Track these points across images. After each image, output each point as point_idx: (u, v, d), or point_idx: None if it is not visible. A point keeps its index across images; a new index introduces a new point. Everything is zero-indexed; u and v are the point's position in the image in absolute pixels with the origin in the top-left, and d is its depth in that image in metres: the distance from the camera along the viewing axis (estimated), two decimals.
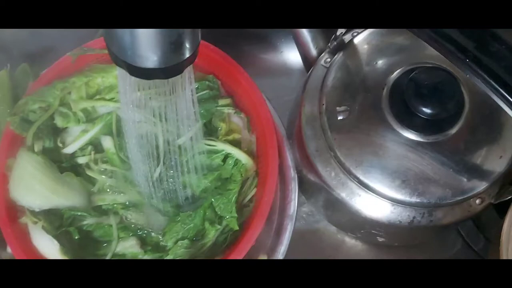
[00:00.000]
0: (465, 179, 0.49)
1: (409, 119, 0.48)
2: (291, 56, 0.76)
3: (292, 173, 0.58)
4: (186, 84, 0.45)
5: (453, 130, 0.49)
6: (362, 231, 0.59)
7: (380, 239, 0.59)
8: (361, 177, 0.50)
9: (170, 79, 0.44)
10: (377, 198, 0.50)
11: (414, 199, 0.49)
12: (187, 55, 0.36)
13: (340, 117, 0.50)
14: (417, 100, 0.46)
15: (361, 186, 0.50)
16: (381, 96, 0.50)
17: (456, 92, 0.46)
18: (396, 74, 0.51)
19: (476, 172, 0.49)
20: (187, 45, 0.35)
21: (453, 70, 0.47)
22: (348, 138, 0.51)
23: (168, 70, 0.36)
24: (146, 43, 0.34)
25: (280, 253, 0.55)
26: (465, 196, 0.49)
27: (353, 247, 0.66)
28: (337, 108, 0.50)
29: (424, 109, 0.46)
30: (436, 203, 0.49)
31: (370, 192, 0.50)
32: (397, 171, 0.49)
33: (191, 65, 0.44)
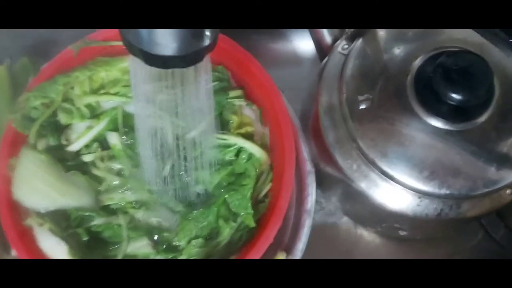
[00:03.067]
0: (496, 169, 0.46)
1: (436, 107, 0.46)
2: (302, 45, 0.74)
3: (309, 167, 0.57)
4: (202, 74, 0.43)
5: (483, 117, 0.47)
6: (383, 225, 0.57)
7: (402, 233, 0.57)
8: (386, 169, 0.47)
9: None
10: (402, 190, 0.48)
11: (443, 191, 0.46)
12: (208, 41, 0.34)
13: (362, 106, 0.48)
14: (446, 86, 0.44)
15: (386, 178, 0.48)
16: (405, 83, 0.48)
17: (488, 76, 0.44)
18: (420, 59, 0.49)
19: (508, 161, 0.47)
20: (208, 31, 0.33)
21: (481, 53, 0.45)
22: (371, 128, 0.48)
23: (187, 58, 0.34)
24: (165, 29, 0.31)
25: (299, 250, 0.53)
26: (496, 187, 0.47)
27: (372, 241, 0.64)
28: (359, 97, 0.48)
29: (454, 95, 0.44)
30: (466, 195, 0.47)
31: (395, 184, 0.48)
32: (425, 162, 0.47)
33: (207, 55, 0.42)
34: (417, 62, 0.49)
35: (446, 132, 0.47)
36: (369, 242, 0.64)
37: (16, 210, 0.51)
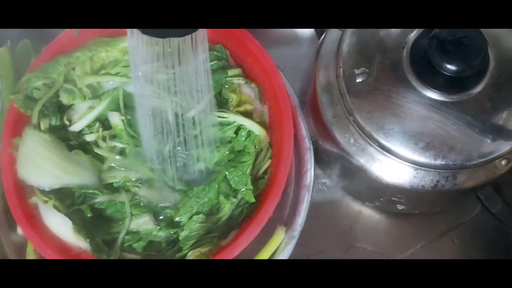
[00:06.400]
0: (491, 140, 0.47)
1: (432, 78, 0.47)
2: None
3: (307, 143, 0.57)
4: (199, 53, 0.44)
5: (478, 88, 0.47)
6: (381, 199, 0.57)
7: (400, 207, 0.57)
8: (383, 141, 0.48)
9: (183, 47, 0.42)
10: (399, 163, 0.49)
11: (439, 162, 0.47)
12: None
13: (358, 80, 0.48)
14: (441, 57, 0.44)
15: (383, 151, 0.48)
16: (401, 56, 0.48)
17: (482, 47, 0.44)
18: (415, 32, 0.49)
19: (502, 132, 0.47)
20: None
21: None
22: (368, 101, 0.49)
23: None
24: None
25: (298, 224, 0.54)
26: (491, 157, 0.47)
27: (371, 216, 0.65)
28: (355, 70, 0.48)
29: (449, 66, 0.44)
30: (461, 165, 0.47)
31: (392, 157, 0.48)
32: (421, 133, 0.47)
33: (204, 33, 0.43)
34: (413, 35, 0.49)
35: (441, 103, 0.47)
36: (368, 218, 0.65)
37: (21, 189, 0.52)
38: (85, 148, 0.55)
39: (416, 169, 0.49)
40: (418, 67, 0.47)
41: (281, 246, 0.52)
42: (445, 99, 0.47)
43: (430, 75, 0.46)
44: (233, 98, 0.57)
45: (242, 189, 0.54)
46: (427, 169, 0.48)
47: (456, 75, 0.45)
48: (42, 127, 0.54)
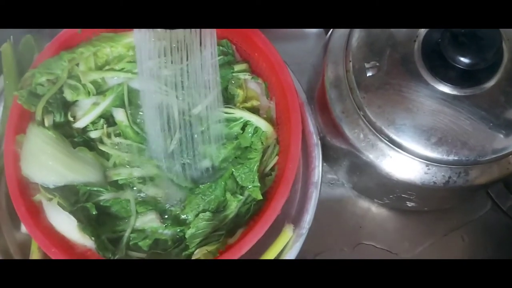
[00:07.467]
0: (504, 135, 0.46)
1: (444, 72, 0.46)
2: None
3: (315, 139, 0.56)
4: (207, 47, 0.43)
5: (492, 82, 0.46)
6: (391, 196, 0.57)
7: (410, 204, 0.57)
8: (394, 137, 0.47)
9: (190, 41, 0.41)
10: (410, 159, 0.48)
11: (451, 157, 0.46)
12: None
13: (369, 74, 0.47)
14: (454, 50, 0.43)
15: (393, 146, 0.47)
16: (413, 49, 0.48)
17: (496, 40, 0.43)
18: None
19: None
20: None
21: None
22: (378, 96, 0.48)
23: None
24: None
25: (306, 222, 0.53)
26: (504, 153, 0.46)
27: (380, 214, 0.64)
28: (365, 64, 0.47)
29: (462, 59, 0.43)
30: (474, 161, 0.46)
31: (403, 152, 0.47)
32: (433, 128, 0.46)
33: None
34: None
35: (454, 97, 0.46)
36: (376, 215, 0.64)
37: (25, 186, 0.51)
38: (90, 145, 0.55)
39: (427, 165, 0.48)
40: (430, 60, 0.47)
41: (289, 244, 0.52)
42: (458, 93, 0.46)
43: (442, 68, 0.45)
44: (239, 93, 0.56)
45: (249, 186, 0.53)
46: (439, 165, 0.47)
47: (469, 68, 0.44)
48: (46, 123, 0.53)
